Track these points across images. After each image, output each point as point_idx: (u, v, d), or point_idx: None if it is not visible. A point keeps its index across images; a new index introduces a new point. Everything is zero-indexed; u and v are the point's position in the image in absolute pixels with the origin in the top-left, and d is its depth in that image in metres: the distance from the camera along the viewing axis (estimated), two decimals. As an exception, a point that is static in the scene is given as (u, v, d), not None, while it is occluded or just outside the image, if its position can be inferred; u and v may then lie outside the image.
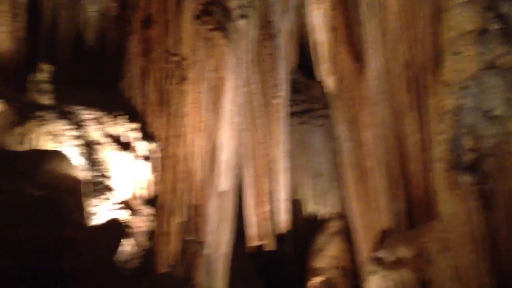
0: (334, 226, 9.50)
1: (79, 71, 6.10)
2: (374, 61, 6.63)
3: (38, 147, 5.13)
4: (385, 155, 6.54)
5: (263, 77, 9.47)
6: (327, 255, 9.29)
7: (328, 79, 7.68)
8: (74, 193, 4.83)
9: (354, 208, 7.48)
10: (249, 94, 9.27)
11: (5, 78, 5.73)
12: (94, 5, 6.13)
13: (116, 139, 5.50)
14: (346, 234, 8.56)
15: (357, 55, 6.97)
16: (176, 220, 7.40)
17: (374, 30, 6.74)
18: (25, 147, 5.10)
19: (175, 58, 7.42)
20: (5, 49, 5.85)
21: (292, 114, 11.05)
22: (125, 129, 5.54)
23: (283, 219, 9.34)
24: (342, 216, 8.96)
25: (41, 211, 4.49)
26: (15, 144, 5.06)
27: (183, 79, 7.52)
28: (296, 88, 11.31)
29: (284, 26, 9.41)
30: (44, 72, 5.34)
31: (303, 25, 9.65)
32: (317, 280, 9.26)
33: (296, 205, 10.74)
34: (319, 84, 10.92)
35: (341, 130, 7.48)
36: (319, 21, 7.48)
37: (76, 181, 4.95)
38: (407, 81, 6.30)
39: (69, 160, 5.08)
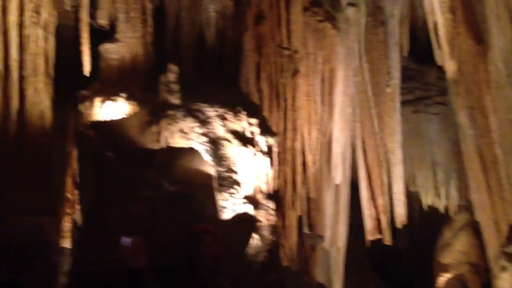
0: (460, 219, 8.93)
1: (202, 70, 6.32)
2: (499, 40, 6.05)
3: (172, 145, 5.40)
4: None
5: (374, 65, 9.17)
6: (455, 249, 8.78)
7: (448, 63, 7.16)
8: (206, 188, 5.01)
9: (479, 201, 6.92)
10: (360, 84, 9.02)
11: (137, 80, 6.11)
12: (213, 5, 6.31)
13: (238, 135, 5.61)
14: (474, 228, 7.99)
15: (479, 36, 6.40)
16: (294, 214, 7.40)
17: (498, 6, 6.15)
18: (161, 145, 5.39)
19: (287, 52, 7.40)
20: (136, 53, 6.25)
21: (405, 103, 10.54)
22: (246, 124, 5.63)
23: (400, 212, 8.98)
24: (468, 208, 8.37)
25: (177, 205, 4.73)
26: (151, 142, 5.38)
27: (295, 72, 7.49)
28: (408, 76, 10.77)
29: (395, 11, 9.01)
30: (172, 73, 5.60)
31: (415, 9, 9.19)
32: (447, 275, 8.78)
33: (412, 198, 10.27)
34: (433, 70, 10.36)
35: (463, 117, 6.93)
36: (435, 2, 6.99)
37: (207, 176, 5.13)
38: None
39: (200, 156, 5.28)
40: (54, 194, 5.51)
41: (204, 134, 5.34)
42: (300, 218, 7.63)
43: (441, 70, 7.92)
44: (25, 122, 5.45)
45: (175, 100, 5.50)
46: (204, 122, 5.43)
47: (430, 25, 7.08)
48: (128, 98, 5.73)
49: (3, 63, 5.31)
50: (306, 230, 7.85)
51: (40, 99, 5.52)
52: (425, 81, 11.53)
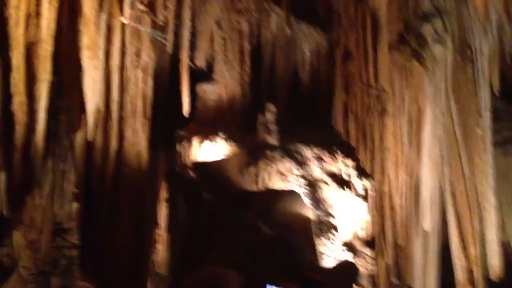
0: None
1: (296, 109, 6.24)
2: None
3: (270, 187, 5.26)
4: None
5: (463, 105, 8.72)
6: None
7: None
8: (305, 232, 4.78)
9: None
10: (448, 124, 8.58)
11: (234, 120, 6.10)
12: (307, 45, 6.26)
13: (335, 177, 5.39)
14: None
15: None
16: (383, 262, 6.97)
17: None
18: (259, 186, 5.27)
19: (375, 91, 7.18)
20: (233, 93, 6.27)
21: (493, 144, 9.91)
22: (342, 166, 5.41)
23: (495, 264, 8.25)
24: None
25: (276, 250, 4.52)
26: (250, 183, 5.27)
27: (383, 112, 7.22)
28: (496, 116, 10.17)
29: (484, 48, 8.60)
30: (271, 113, 5.54)
31: (504, 46, 8.76)
32: None
33: (507, 248, 9.47)
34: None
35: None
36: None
37: (306, 220, 4.91)
38: None
39: (298, 199, 5.09)
40: (145, 234, 5.47)
41: (302, 176, 5.15)
42: (388, 267, 7.18)
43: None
44: (122, 162, 5.50)
45: (273, 140, 5.39)
46: (301, 163, 5.26)
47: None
48: (227, 139, 5.70)
49: (105, 105, 5.44)
50: (394, 280, 7.36)
51: (137, 139, 5.57)
52: (512, 120, 10.90)
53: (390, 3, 7.39)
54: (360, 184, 5.48)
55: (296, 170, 5.28)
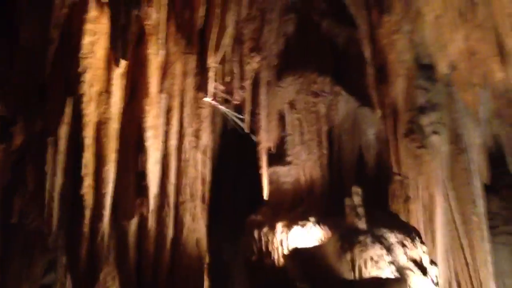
0: None
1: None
2: None
3: (365, 274, 4.85)
4: None
5: (459, 193, 9.06)
6: None
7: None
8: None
9: None
10: (448, 211, 8.81)
11: (316, 204, 5.73)
12: (372, 129, 6.24)
13: (417, 264, 5.12)
14: None
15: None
16: None
17: None
18: (355, 274, 4.85)
19: (398, 178, 7.25)
20: (311, 175, 5.93)
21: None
22: (421, 252, 5.18)
23: None
24: None
25: None
26: (346, 271, 4.83)
27: (407, 198, 7.25)
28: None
29: (475, 139, 9.20)
30: (357, 196, 5.28)
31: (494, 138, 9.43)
32: None
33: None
34: (496, 199, 10.34)
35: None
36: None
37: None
38: None
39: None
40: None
41: (392, 263, 4.83)
42: None
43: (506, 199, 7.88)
44: (180, 250, 4.86)
45: (362, 225, 5.07)
46: (389, 249, 4.96)
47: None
48: (319, 223, 5.28)
49: (160, 189, 4.87)
50: None
51: (196, 225, 4.99)
52: (489, 209, 11.45)
53: (403, 95, 7.76)
54: (434, 270, 5.25)
55: (386, 256, 4.95)
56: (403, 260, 5.05)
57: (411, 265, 5.06)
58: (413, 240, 5.25)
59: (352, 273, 4.86)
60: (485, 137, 9.26)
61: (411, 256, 5.12)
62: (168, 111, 5.13)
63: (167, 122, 5.12)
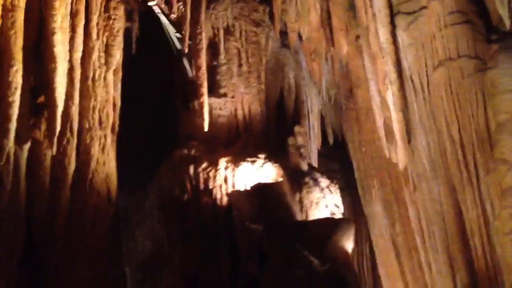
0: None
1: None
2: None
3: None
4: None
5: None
6: None
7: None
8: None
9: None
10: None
11: (254, 140, 5.22)
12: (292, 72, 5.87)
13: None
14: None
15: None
16: None
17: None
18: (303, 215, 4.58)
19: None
20: (253, 110, 5.46)
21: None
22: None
23: None
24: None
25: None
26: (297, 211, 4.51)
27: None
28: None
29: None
30: (300, 136, 5.18)
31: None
32: None
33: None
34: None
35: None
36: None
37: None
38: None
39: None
40: None
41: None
42: None
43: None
44: (84, 186, 4.01)
45: (305, 166, 4.83)
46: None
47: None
48: (269, 160, 4.80)
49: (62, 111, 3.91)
50: None
51: (106, 158, 4.16)
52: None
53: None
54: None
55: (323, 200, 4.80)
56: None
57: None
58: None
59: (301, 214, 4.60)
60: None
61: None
62: (74, 15, 4.09)
63: (72, 29, 4.08)
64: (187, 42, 4.94)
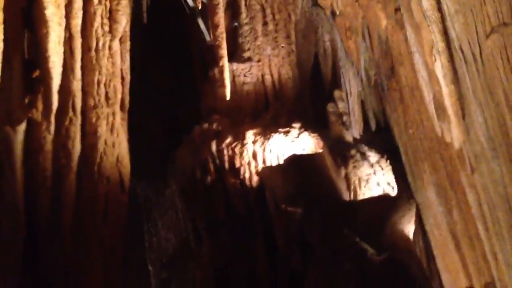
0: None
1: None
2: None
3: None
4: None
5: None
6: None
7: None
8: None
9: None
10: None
11: (288, 109, 4.60)
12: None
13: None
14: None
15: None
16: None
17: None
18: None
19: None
20: (283, 75, 4.78)
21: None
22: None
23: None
24: None
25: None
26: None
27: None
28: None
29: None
30: (341, 101, 4.72)
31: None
32: None
33: None
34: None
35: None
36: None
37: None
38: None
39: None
40: None
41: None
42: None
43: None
44: (92, 173, 3.47)
45: (349, 137, 4.32)
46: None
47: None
48: (306, 129, 4.17)
49: (61, 86, 3.34)
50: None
51: (116, 139, 3.61)
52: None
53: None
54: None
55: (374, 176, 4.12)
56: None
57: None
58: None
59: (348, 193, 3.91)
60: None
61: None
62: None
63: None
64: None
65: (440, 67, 5.12)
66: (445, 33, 4.86)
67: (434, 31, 4.88)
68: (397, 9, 5.05)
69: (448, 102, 5.11)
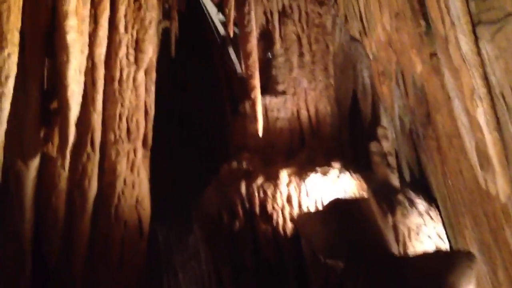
0: None
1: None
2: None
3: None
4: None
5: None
6: None
7: None
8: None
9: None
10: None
11: (325, 147, 4.22)
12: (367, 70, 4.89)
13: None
14: None
15: None
16: None
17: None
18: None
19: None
20: (320, 110, 4.42)
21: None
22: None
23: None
24: None
25: None
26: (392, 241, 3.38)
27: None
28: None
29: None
30: (386, 140, 4.38)
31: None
32: None
33: None
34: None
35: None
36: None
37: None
38: None
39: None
40: None
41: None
42: None
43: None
44: (108, 215, 3.09)
45: (395, 180, 3.93)
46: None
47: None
48: (347, 170, 3.78)
49: (79, 119, 3.05)
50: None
51: (136, 178, 3.27)
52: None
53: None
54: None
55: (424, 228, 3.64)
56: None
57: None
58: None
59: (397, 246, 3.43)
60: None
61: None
62: (97, 3, 3.35)
63: (94, 20, 3.33)
64: (231, 22, 3.98)
65: (482, 113, 4.72)
66: (485, 78, 4.52)
67: (475, 76, 4.55)
68: (433, 54, 4.76)
69: (492, 150, 4.67)
